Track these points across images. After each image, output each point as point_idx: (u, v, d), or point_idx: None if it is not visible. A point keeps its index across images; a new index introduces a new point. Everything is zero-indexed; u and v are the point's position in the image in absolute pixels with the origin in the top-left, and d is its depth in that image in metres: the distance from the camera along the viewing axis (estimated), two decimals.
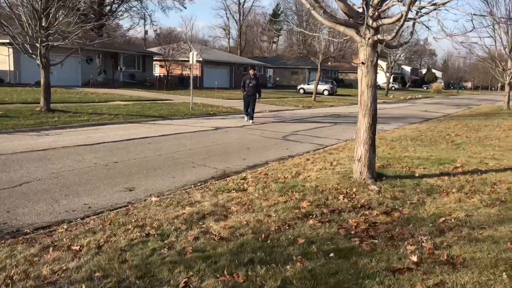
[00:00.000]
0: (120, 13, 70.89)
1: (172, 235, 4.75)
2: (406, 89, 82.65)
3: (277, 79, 68.10)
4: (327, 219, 5.35)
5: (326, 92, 48.43)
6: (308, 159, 9.71)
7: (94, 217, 5.56)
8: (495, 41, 27.11)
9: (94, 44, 20.69)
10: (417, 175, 7.92)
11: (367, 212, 5.67)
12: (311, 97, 36.98)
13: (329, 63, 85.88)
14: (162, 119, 17.87)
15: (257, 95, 17.51)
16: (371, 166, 7.12)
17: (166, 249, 4.30)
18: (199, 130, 14.92)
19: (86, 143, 11.08)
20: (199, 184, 7.58)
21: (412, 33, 7.53)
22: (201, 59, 47.49)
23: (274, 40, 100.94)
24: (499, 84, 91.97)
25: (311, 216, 5.48)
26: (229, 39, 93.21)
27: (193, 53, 21.74)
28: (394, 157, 9.94)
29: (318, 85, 46.16)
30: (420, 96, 56.81)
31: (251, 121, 17.43)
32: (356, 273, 3.81)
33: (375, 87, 6.99)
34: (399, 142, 12.69)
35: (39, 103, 17.65)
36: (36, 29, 15.84)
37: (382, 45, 6.99)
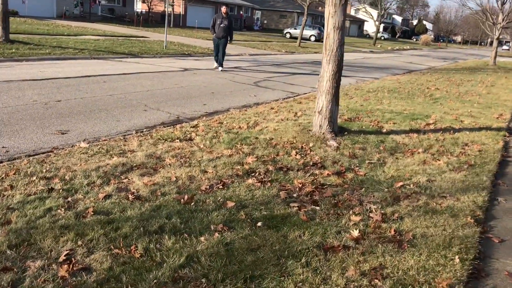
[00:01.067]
0: None
1: (81, 191, 4.03)
2: (395, 40, 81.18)
3: (265, 22, 65.95)
4: (269, 179, 4.68)
5: (313, 38, 47.04)
6: (272, 108, 8.96)
7: (5, 163, 4.81)
8: None
9: None
10: (384, 130, 7.25)
11: (317, 172, 5.01)
12: (297, 42, 35.70)
13: (320, 8, 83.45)
14: (131, 57, 16.81)
15: (228, 38, 14.94)
16: (332, 119, 6.40)
17: (63, 209, 3.60)
18: (165, 70, 13.96)
19: (34, 78, 10.13)
20: (144, 130, 6.83)
21: None
22: None
23: None
24: (489, 40, 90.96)
25: (253, 174, 4.81)
26: None
27: None
28: (366, 109, 9.24)
29: (306, 30, 44.78)
30: (408, 47, 55.63)
31: (220, 68, 15.05)
32: (281, 250, 3.17)
33: (342, 29, 6.16)
34: (375, 93, 11.97)
35: None
36: None
37: None
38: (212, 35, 14.97)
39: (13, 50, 14.38)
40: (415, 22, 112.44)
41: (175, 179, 4.50)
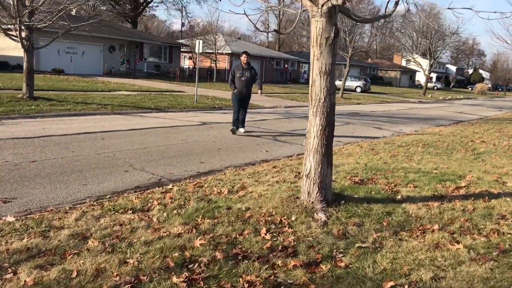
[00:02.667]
0: (155, 4, 70.66)
1: None
2: (449, 89, 78.37)
3: None
4: (207, 274, 3.42)
5: (358, 89, 45.81)
6: (275, 167, 7.76)
7: None
8: None
9: (85, 28, 19.06)
10: (398, 197, 5.82)
11: (280, 262, 3.69)
12: (339, 93, 34.59)
13: (369, 60, 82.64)
14: (156, 112, 16.25)
15: (257, 91, 12.93)
16: (323, 184, 5.09)
17: None
18: (182, 125, 13.15)
19: (27, 136, 9.48)
20: (108, 196, 5.79)
21: (397, 3, 5.44)
22: (229, 51, 45.92)
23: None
24: None
25: (191, 266, 3.57)
26: (267, 34, 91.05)
27: (199, 42, 19.98)
28: (388, 168, 7.83)
29: (351, 82, 44.03)
30: (461, 96, 53.08)
31: (242, 129, 12.16)
32: None
33: (331, 75, 4.97)
34: (407, 148, 10.49)
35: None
36: (16, 7, 14.46)
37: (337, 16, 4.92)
38: (232, 91, 12.08)
39: (33, 106, 14.11)
40: (470, 71, 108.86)
41: (75, 274, 3.34)
